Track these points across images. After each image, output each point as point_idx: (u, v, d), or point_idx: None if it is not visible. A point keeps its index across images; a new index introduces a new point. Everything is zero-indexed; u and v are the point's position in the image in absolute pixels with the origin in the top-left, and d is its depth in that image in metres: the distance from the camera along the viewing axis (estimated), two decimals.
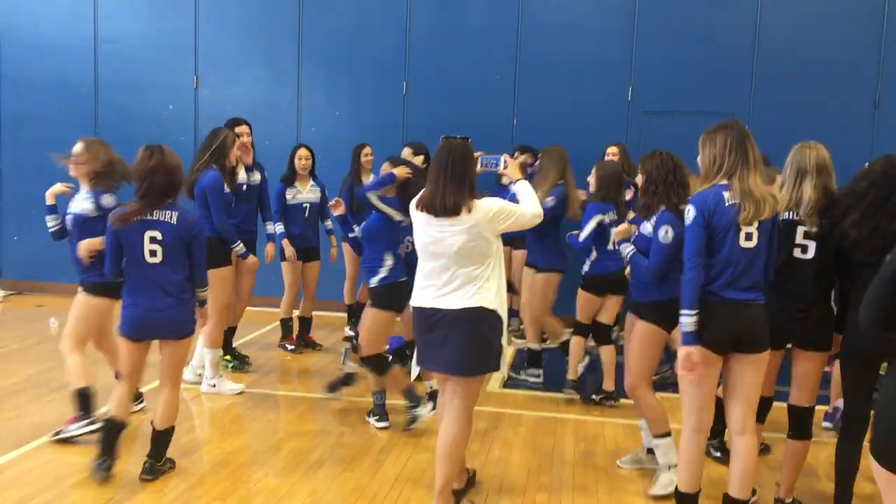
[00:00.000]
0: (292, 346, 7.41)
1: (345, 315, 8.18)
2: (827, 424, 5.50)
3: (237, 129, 6.50)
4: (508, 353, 7.38)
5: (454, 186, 3.86)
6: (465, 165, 3.92)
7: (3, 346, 7.33)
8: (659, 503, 4.45)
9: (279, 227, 7.07)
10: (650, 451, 4.78)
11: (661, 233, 4.41)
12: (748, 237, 3.74)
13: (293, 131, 9.03)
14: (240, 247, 6.05)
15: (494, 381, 6.69)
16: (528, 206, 4.05)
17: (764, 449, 5.03)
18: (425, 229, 3.95)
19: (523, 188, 4.16)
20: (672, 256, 4.37)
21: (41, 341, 7.52)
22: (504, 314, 3.99)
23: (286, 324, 7.46)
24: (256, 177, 6.79)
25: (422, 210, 3.95)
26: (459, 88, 8.83)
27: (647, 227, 4.56)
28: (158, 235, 4.36)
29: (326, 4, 9.10)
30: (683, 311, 3.74)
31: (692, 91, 8.48)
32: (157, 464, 4.53)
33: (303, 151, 7.21)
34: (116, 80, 9.42)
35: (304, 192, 7.22)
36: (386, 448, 5.11)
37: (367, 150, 7.76)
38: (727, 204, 3.73)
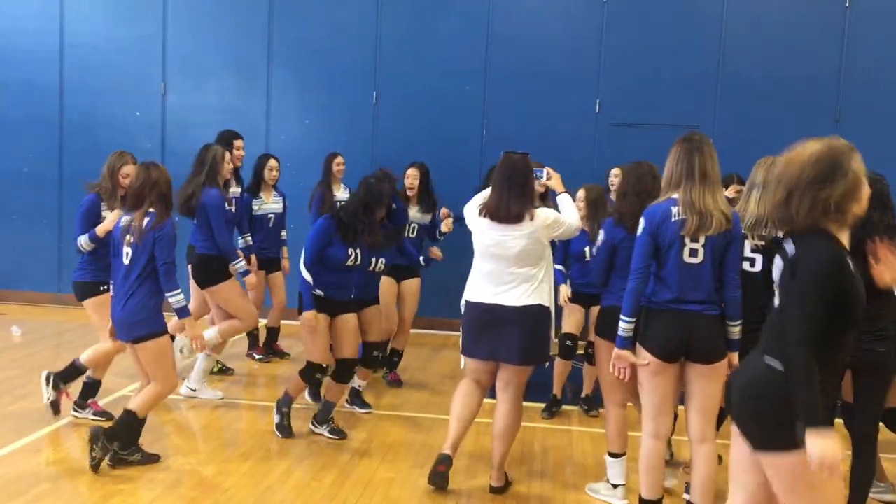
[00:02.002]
0: (260, 356, 7.38)
1: None
2: None
3: (235, 143, 6.75)
4: None
5: (517, 197, 4.35)
6: (526, 178, 4.42)
7: None
8: None
9: (248, 240, 7.01)
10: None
11: (599, 235, 4.53)
12: (693, 253, 3.79)
13: (262, 139, 8.98)
14: (241, 264, 5.97)
15: None
16: (571, 218, 4.56)
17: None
18: (487, 233, 4.42)
19: (566, 201, 4.65)
20: (608, 260, 4.42)
21: (4, 349, 7.40)
22: (553, 310, 4.53)
23: (252, 333, 7.42)
24: (237, 190, 6.86)
25: (485, 216, 4.42)
26: (429, 98, 8.88)
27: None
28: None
29: (297, 13, 9.09)
30: (622, 317, 3.89)
31: (658, 104, 8.61)
32: (122, 452, 4.68)
33: (273, 162, 7.21)
34: (83, 85, 9.31)
35: (269, 203, 7.21)
36: (354, 458, 5.12)
37: (340, 159, 7.74)
38: (674, 219, 3.79)
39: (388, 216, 5.69)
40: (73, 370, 5.43)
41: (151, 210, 4.63)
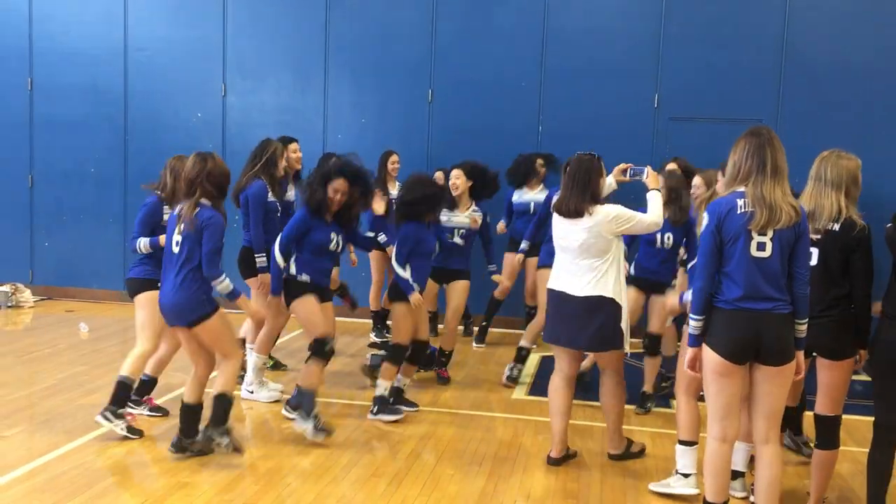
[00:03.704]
0: None
1: (369, 321, 8.23)
2: None
3: (290, 147, 6.58)
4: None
5: (578, 194, 4.69)
6: (589, 177, 4.71)
7: (36, 350, 7.43)
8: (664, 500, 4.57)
9: None
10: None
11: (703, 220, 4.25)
12: (761, 246, 3.69)
13: (319, 138, 9.09)
14: (262, 258, 5.90)
15: (520, 389, 6.71)
16: (650, 215, 4.76)
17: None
18: (558, 226, 4.84)
19: (654, 198, 4.82)
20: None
21: (72, 346, 7.62)
22: (623, 301, 4.75)
23: None
24: (291, 194, 6.60)
25: (555, 211, 4.84)
26: (485, 95, 8.86)
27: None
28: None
29: (353, 12, 9.16)
30: (692, 316, 3.83)
31: (719, 97, 8.46)
32: (185, 440, 4.82)
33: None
34: (146, 87, 9.55)
35: None
36: (413, 454, 5.14)
37: (395, 157, 7.80)
38: (739, 211, 3.72)
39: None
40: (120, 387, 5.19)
41: (203, 200, 4.68)
